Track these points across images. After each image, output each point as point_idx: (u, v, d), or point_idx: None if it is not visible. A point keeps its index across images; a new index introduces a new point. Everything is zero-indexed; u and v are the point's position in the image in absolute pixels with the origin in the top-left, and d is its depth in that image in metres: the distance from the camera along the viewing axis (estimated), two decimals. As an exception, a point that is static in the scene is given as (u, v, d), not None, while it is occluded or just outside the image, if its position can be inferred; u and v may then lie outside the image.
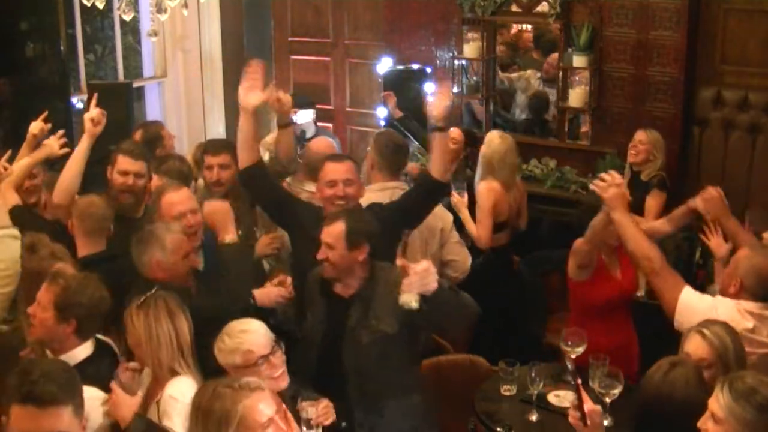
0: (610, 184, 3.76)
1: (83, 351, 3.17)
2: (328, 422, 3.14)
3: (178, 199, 3.93)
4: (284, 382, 3.09)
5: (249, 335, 3.08)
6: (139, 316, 3.13)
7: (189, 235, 3.80)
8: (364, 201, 4.20)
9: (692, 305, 3.48)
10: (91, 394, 2.92)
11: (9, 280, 3.73)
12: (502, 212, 5.11)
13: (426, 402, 3.68)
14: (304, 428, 3.08)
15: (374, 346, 3.51)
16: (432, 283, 3.17)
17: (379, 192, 4.45)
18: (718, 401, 2.52)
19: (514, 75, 6.76)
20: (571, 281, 4.33)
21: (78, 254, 3.86)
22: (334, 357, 3.56)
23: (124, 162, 4.20)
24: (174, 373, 3.10)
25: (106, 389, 3.00)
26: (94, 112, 4.27)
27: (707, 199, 4.04)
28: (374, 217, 3.90)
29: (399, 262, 3.22)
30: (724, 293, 3.58)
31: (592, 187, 3.87)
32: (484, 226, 5.00)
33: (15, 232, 3.70)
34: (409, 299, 3.17)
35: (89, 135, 4.23)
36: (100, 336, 3.35)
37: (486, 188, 5.07)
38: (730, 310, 3.43)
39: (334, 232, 3.54)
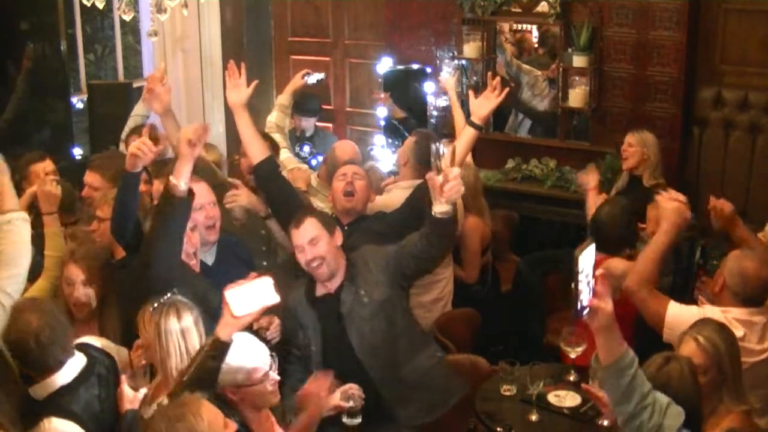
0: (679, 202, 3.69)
1: (61, 378, 3.02)
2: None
3: (198, 191, 3.89)
4: (277, 397, 3.05)
5: (253, 352, 2.98)
6: (151, 323, 3.09)
7: (207, 228, 3.85)
8: (391, 197, 4.37)
9: (681, 317, 3.49)
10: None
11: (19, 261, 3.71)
12: (485, 240, 5.05)
13: (437, 353, 3.87)
14: (347, 418, 3.34)
15: (376, 317, 3.63)
16: (461, 187, 3.27)
17: (407, 189, 4.49)
18: None
19: (526, 67, 6.70)
20: None
21: (118, 254, 3.86)
22: (341, 351, 3.61)
23: (86, 174, 4.47)
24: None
25: (83, 422, 2.96)
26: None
27: (719, 216, 4.03)
28: (382, 221, 4.05)
29: (433, 173, 3.26)
30: (711, 292, 3.61)
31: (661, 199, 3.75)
32: (474, 265, 4.93)
33: (24, 215, 3.68)
34: (443, 207, 3.29)
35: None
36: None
37: (471, 228, 4.94)
38: (718, 319, 3.39)
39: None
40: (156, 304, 3.10)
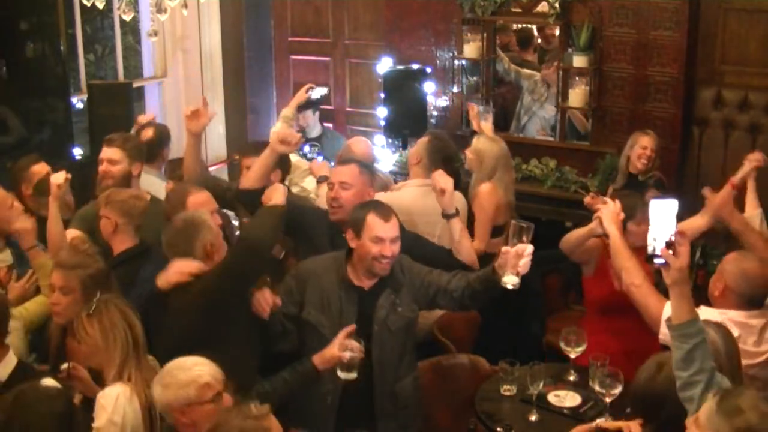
0: (607, 207, 3.89)
1: (11, 358, 3.21)
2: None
3: (203, 199, 4.03)
4: None
5: (207, 367, 2.84)
6: (93, 323, 3.12)
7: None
8: (402, 195, 4.39)
9: None
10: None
11: None
12: (501, 215, 4.98)
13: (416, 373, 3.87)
14: (342, 371, 3.30)
15: (399, 332, 3.64)
16: (530, 262, 3.37)
17: (417, 188, 4.53)
18: (707, 408, 2.49)
19: (526, 71, 6.69)
20: (583, 277, 4.42)
21: (115, 251, 3.94)
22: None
23: (103, 151, 4.50)
24: (120, 373, 3.09)
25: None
26: (61, 177, 4.19)
27: (721, 203, 4.06)
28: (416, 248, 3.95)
29: (504, 248, 3.40)
30: (710, 296, 3.58)
31: (591, 205, 3.96)
32: (484, 231, 4.84)
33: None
34: (514, 279, 3.38)
35: (54, 198, 4.15)
36: None
37: (488, 191, 4.88)
38: (715, 320, 3.35)
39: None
40: (91, 307, 3.15)
